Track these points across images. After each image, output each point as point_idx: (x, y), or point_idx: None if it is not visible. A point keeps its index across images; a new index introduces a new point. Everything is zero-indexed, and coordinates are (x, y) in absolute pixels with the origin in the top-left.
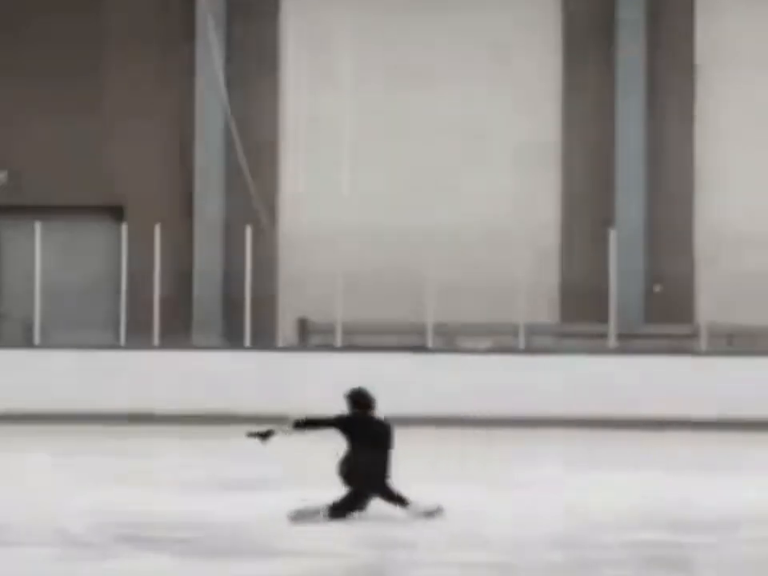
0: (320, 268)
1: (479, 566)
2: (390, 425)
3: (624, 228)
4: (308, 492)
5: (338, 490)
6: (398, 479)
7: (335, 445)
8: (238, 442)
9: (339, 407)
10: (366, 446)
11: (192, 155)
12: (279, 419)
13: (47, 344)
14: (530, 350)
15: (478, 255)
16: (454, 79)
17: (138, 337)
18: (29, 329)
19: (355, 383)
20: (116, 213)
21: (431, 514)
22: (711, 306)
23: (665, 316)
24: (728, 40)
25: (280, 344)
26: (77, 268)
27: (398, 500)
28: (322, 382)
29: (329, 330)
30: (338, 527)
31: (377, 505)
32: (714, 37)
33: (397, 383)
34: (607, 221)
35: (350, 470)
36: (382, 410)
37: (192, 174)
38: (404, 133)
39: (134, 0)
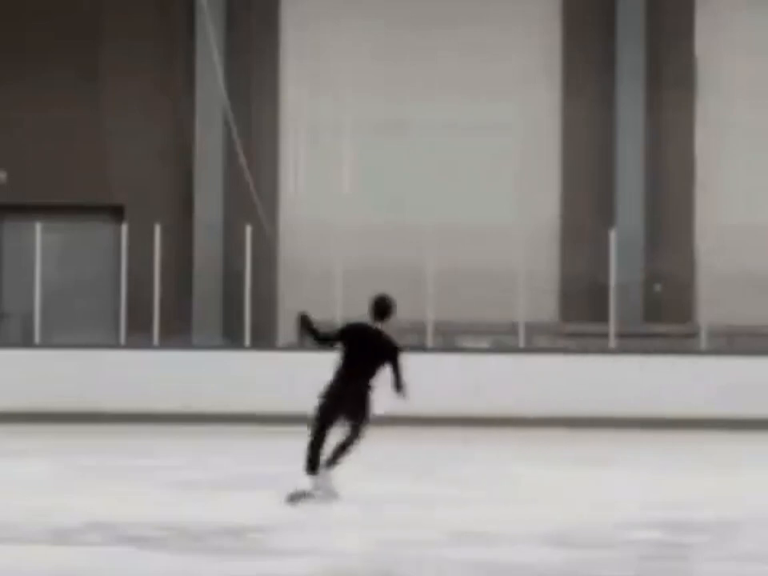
0: (320, 267)
1: (479, 565)
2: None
3: (624, 228)
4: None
5: (338, 490)
6: (399, 478)
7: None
8: (238, 441)
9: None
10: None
11: (192, 155)
12: (279, 419)
13: (47, 344)
14: (529, 350)
15: (477, 255)
16: (453, 78)
17: (138, 337)
18: (29, 328)
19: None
20: (116, 213)
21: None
22: (711, 305)
23: (665, 316)
24: (728, 34)
25: (280, 344)
26: (77, 268)
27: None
28: (322, 381)
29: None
30: (338, 526)
31: (377, 505)
32: (714, 32)
33: None
34: (607, 221)
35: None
36: (381, 410)
37: (192, 174)
38: (404, 131)
39: (134, 0)
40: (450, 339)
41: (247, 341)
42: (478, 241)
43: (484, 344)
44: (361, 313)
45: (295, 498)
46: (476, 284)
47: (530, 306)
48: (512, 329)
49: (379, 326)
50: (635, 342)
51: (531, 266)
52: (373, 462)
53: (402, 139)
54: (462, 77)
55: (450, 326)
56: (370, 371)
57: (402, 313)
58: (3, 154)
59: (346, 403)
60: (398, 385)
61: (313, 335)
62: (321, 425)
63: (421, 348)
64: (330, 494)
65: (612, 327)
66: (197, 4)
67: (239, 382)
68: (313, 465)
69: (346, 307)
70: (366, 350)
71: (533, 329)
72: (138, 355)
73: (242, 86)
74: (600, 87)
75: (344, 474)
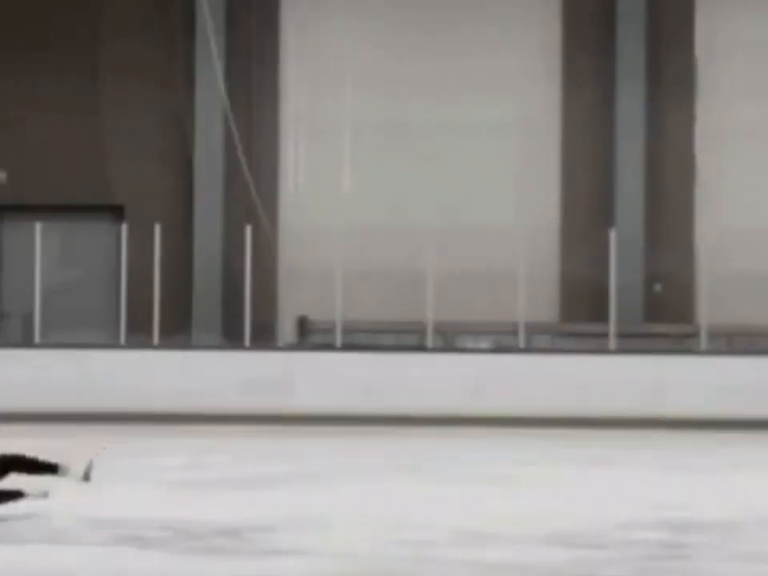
0: (320, 267)
1: (479, 564)
2: None
3: (624, 228)
4: (308, 491)
5: (339, 489)
6: (399, 478)
7: (337, 444)
8: (238, 441)
9: (339, 405)
10: None
11: (192, 155)
12: (279, 419)
13: (47, 343)
14: (529, 350)
15: (477, 254)
16: (453, 78)
17: (138, 336)
18: (29, 328)
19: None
20: (116, 213)
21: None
22: (711, 305)
23: (665, 316)
24: (728, 34)
25: (280, 344)
26: (77, 268)
27: None
28: (322, 381)
29: (328, 330)
30: (339, 526)
31: (377, 505)
32: (714, 32)
33: (397, 383)
34: (607, 221)
35: None
36: (382, 410)
37: (192, 174)
38: (404, 131)
39: (134, 0)
40: (450, 339)
41: (247, 341)
42: (478, 241)
43: (484, 344)
44: (360, 312)
45: None
46: (476, 284)
47: (529, 306)
48: (512, 329)
49: None
50: (635, 341)
51: (531, 266)
52: (373, 462)
53: (402, 139)
54: (461, 77)
55: (449, 326)
56: None
57: (402, 313)
58: (3, 154)
59: None
60: None
61: None
62: None
63: (421, 348)
64: None
65: (612, 327)
66: (197, 4)
67: (239, 381)
68: None
69: (346, 307)
70: None
71: (533, 329)
72: (138, 355)
73: (242, 85)
74: (600, 87)
75: (344, 473)
